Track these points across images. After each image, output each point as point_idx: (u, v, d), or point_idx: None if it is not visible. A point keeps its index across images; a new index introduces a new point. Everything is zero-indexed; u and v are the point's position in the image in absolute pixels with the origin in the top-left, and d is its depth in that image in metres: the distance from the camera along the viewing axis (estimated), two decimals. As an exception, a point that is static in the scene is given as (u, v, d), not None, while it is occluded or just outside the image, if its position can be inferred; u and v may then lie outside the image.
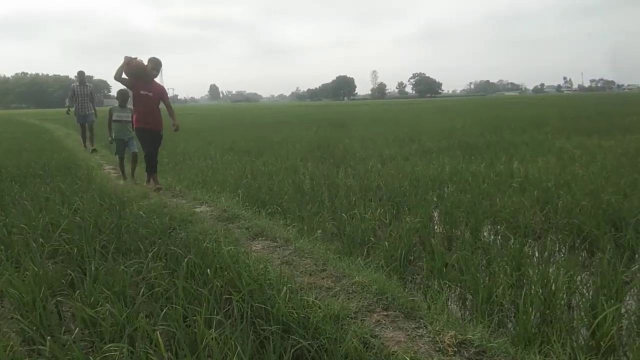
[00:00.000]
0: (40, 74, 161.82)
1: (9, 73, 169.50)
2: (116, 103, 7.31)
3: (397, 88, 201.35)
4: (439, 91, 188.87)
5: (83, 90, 11.84)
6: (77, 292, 2.91)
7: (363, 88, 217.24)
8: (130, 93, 6.67)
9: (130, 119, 6.94)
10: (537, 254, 3.75)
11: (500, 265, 3.27)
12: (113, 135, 7.11)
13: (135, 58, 6.24)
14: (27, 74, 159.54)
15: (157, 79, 6.82)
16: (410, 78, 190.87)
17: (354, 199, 5.30)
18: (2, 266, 3.42)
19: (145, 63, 6.62)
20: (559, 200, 4.86)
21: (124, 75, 6.26)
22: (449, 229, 4.29)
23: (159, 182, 6.60)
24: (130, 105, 7.20)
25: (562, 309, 2.82)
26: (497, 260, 3.37)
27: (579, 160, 7.33)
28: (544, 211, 4.61)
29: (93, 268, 3.15)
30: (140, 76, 6.32)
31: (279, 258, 3.54)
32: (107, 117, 7.12)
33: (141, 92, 6.34)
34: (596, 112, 21.84)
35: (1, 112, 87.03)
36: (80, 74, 12.06)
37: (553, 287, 2.90)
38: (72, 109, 11.82)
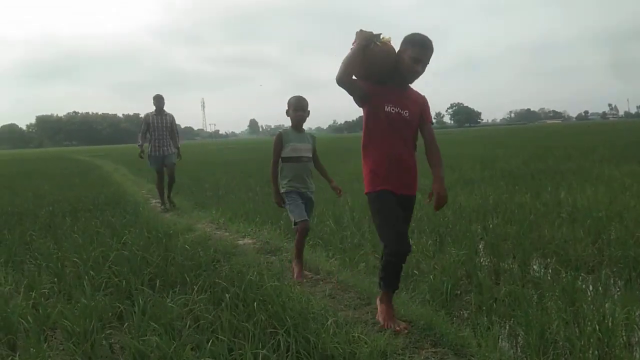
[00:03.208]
0: (90, 113, 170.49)
1: (61, 112, 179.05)
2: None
3: (435, 118, 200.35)
4: (478, 120, 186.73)
5: (161, 122, 8.20)
6: (126, 324, 2.98)
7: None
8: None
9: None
10: (591, 289, 3.58)
11: (553, 300, 3.14)
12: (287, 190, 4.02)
13: (379, 35, 2.88)
14: (78, 113, 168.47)
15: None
16: (448, 108, 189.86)
17: (395, 231, 5.24)
18: (55, 298, 3.54)
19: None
20: (612, 231, 4.65)
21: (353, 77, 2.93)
22: (496, 262, 4.16)
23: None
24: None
25: (621, 347, 2.67)
26: (549, 295, 3.24)
27: (630, 189, 7.03)
28: (596, 243, 4.42)
29: (141, 301, 3.22)
30: (387, 73, 2.97)
31: (322, 291, 3.52)
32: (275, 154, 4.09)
33: (386, 107, 2.95)
34: (646, 138, 21.00)
35: (53, 149, 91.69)
36: (158, 98, 8.29)
37: (610, 324, 2.75)
38: (147, 148, 8.24)
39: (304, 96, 4.07)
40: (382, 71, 2.92)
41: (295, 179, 3.99)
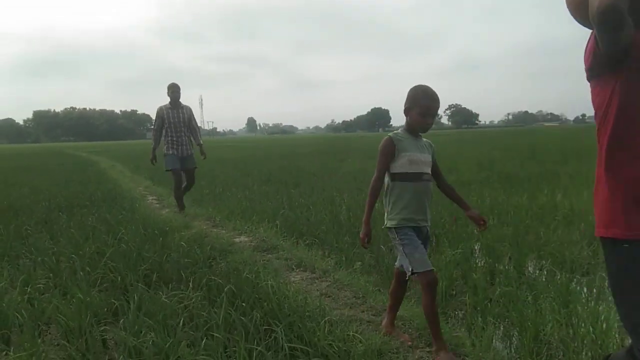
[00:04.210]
0: (87, 109, 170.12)
1: (58, 108, 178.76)
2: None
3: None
4: (476, 122, 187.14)
5: (177, 116, 6.96)
6: (122, 320, 2.97)
7: (398, 119, 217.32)
8: None
9: None
10: (585, 291, 3.59)
11: (547, 301, 3.16)
12: None
13: None
14: (75, 108, 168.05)
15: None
16: (446, 109, 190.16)
17: (392, 231, 5.25)
18: (50, 293, 3.53)
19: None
20: (607, 234, 4.67)
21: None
22: (492, 263, 4.18)
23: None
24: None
25: (615, 349, 2.68)
26: (544, 297, 3.26)
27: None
28: (591, 246, 4.44)
29: (136, 297, 3.22)
30: None
31: (318, 290, 3.52)
32: None
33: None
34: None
35: (51, 144, 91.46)
36: (174, 88, 7.01)
37: (604, 326, 2.76)
38: (162, 146, 7.03)
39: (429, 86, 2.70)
40: None
41: (411, 207, 2.68)
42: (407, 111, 2.75)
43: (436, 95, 2.67)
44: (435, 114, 2.72)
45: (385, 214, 2.76)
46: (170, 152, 6.94)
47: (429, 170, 2.77)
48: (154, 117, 7.17)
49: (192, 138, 7.17)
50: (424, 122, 2.70)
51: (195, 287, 3.45)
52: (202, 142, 7.26)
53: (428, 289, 2.57)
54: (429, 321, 2.58)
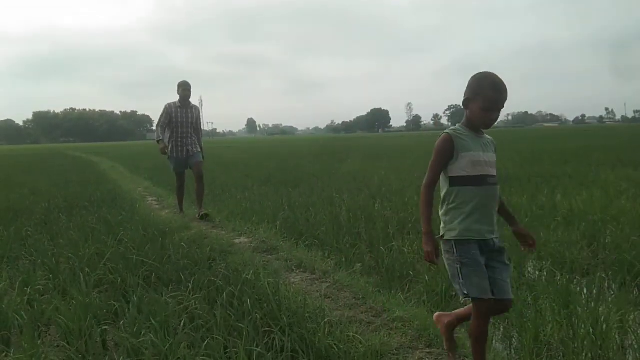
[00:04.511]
0: (87, 110, 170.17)
1: (58, 109, 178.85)
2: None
3: (432, 120, 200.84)
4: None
5: (185, 115, 6.77)
6: (122, 321, 2.97)
7: (398, 120, 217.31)
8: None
9: None
10: (585, 291, 3.59)
11: (547, 302, 3.16)
12: None
13: None
14: (75, 109, 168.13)
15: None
16: (446, 110, 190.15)
17: (391, 232, 5.25)
18: (50, 294, 3.53)
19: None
20: (607, 235, 4.67)
21: None
22: (491, 264, 4.17)
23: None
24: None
25: (615, 350, 2.68)
26: (544, 297, 3.25)
27: (626, 193, 7.06)
28: (591, 247, 4.44)
29: (136, 298, 3.22)
30: None
31: (317, 291, 3.52)
32: None
33: None
34: (642, 143, 21.09)
35: (51, 145, 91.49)
36: (184, 87, 6.79)
37: (604, 327, 2.76)
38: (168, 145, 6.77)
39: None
40: None
41: (475, 215, 2.24)
42: (467, 103, 2.31)
43: (504, 85, 2.24)
44: (502, 108, 2.28)
45: (442, 224, 2.31)
46: (175, 154, 6.82)
47: (494, 172, 2.33)
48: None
49: (197, 138, 6.98)
50: (486, 118, 2.27)
51: (195, 289, 3.45)
52: (202, 145, 7.06)
53: (483, 318, 2.22)
54: (474, 349, 2.26)
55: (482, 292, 2.16)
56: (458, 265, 2.21)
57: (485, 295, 2.16)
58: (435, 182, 2.31)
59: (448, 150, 2.27)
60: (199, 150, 6.92)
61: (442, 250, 2.31)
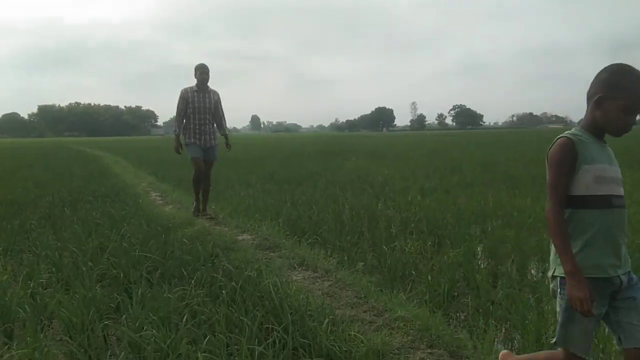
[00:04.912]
0: (92, 104, 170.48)
1: (63, 103, 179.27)
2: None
3: (436, 119, 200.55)
4: (480, 123, 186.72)
5: (203, 100, 6.28)
6: (124, 316, 2.98)
7: (402, 119, 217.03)
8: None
9: None
10: (588, 294, 3.58)
11: (550, 304, 3.14)
12: None
13: None
14: (80, 103, 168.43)
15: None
16: (451, 110, 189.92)
17: (394, 231, 5.25)
18: (53, 288, 3.54)
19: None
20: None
21: None
22: (494, 265, 4.17)
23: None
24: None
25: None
26: (546, 299, 3.25)
27: (629, 196, 7.03)
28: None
29: (139, 293, 3.23)
30: None
31: (319, 289, 3.52)
32: None
33: None
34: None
35: (55, 139, 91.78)
36: (202, 70, 6.31)
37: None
38: (182, 139, 6.38)
39: None
40: None
41: (597, 246, 1.81)
42: (599, 101, 1.82)
43: None
44: None
45: (552, 255, 1.89)
46: (192, 140, 6.29)
47: (622, 192, 1.86)
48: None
49: (216, 126, 6.46)
50: (625, 122, 1.82)
51: (198, 285, 3.46)
52: (227, 132, 6.67)
53: None
54: None
55: (580, 350, 1.83)
56: (562, 307, 1.83)
57: (579, 351, 1.84)
58: (562, 203, 1.82)
59: (570, 160, 1.80)
60: (216, 143, 6.49)
61: (551, 288, 1.92)
